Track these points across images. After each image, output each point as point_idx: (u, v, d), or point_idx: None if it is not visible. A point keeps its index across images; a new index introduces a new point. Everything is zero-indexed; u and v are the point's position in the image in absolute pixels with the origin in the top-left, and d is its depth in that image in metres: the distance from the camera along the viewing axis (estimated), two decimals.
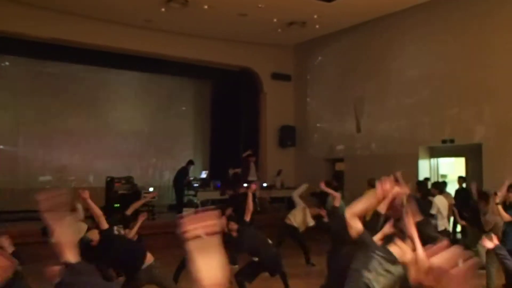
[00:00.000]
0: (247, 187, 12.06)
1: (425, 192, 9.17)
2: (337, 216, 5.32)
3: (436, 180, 12.04)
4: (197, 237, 1.50)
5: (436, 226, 8.61)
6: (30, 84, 14.71)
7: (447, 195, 9.53)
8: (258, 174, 15.07)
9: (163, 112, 17.27)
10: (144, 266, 5.88)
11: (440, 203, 8.57)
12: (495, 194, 6.61)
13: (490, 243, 4.29)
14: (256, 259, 6.89)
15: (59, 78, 15.17)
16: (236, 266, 9.09)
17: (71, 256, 2.62)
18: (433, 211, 8.60)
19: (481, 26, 10.99)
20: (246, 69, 16.02)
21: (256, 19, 13.11)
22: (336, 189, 13.25)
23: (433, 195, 8.84)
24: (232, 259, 9.39)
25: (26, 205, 12.32)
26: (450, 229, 9.61)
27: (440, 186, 9.07)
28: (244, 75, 16.25)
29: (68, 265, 2.63)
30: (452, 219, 9.80)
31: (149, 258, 5.95)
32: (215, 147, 17.73)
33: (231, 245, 7.62)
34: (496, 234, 7.24)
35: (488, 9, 10.89)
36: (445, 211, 8.58)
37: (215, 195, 13.56)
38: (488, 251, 7.55)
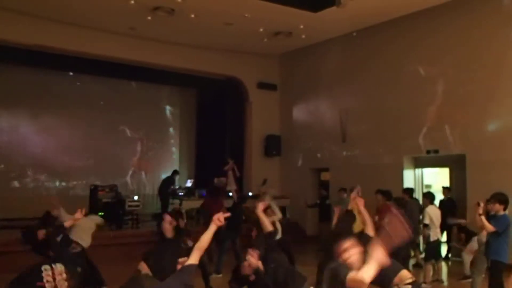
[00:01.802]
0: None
1: None
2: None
3: (419, 189, 12.14)
4: None
5: (428, 236, 8.66)
6: (9, 90, 14.45)
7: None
8: (238, 179, 14.91)
9: (148, 120, 17.19)
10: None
11: (432, 213, 8.59)
12: (478, 204, 6.61)
13: None
14: None
15: (40, 85, 14.98)
16: (220, 275, 9.03)
17: None
18: (426, 221, 8.63)
19: (462, 41, 11.12)
20: (232, 78, 16.00)
21: (242, 29, 13.13)
22: (325, 198, 13.33)
23: (425, 205, 8.88)
24: (216, 268, 9.32)
25: (3, 214, 12.11)
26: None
27: (431, 196, 9.05)
28: (230, 84, 16.23)
29: None
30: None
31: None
32: (201, 156, 17.67)
33: None
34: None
35: (472, 22, 11.03)
36: (437, 221, 8.59)
37: (200, 204, 13.42)
38: (473, 261, 7.61)
